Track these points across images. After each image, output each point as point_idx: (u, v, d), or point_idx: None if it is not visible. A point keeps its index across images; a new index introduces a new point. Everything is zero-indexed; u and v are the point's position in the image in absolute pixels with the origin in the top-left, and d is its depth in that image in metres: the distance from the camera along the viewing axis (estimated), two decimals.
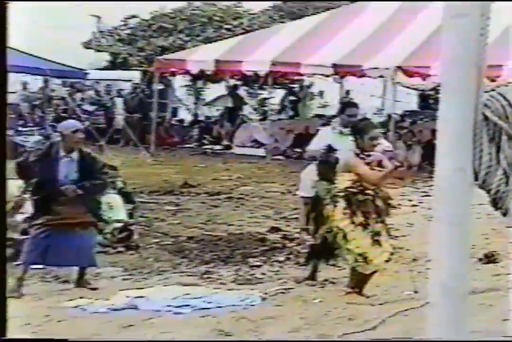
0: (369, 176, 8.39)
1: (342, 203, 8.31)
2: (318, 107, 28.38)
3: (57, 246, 8.98)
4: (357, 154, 8.48)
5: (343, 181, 8.39)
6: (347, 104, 11.69)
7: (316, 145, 9.77)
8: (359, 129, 8.71)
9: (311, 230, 9.32)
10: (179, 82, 29.33)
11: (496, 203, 2.83)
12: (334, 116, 14.39)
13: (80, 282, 9.11)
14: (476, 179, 2.71)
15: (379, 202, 8.42)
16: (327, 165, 9.12)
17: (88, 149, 9.56)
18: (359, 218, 8.29)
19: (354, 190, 8.34)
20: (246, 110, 28.33)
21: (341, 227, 8.31)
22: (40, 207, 9.19)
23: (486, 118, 2.70)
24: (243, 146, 23.99)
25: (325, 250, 8.78)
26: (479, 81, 2.59)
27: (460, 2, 2.52)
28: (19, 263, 9.13)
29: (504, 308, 7.15)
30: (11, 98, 26.26)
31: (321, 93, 28.77)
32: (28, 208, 10.76)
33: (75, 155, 9.09)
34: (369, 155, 8.48)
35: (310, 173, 9.79)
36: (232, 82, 27.95)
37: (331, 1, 32.67)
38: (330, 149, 9.35)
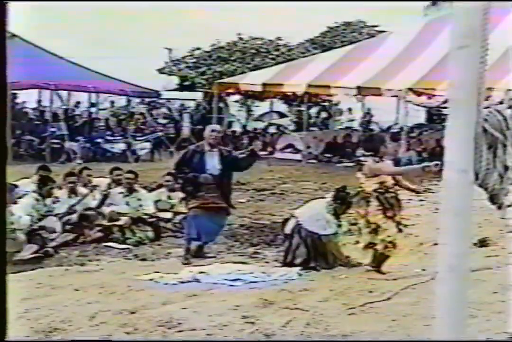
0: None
1: (374, 202, 8.07)
2: (347, 121, 28.27)
3: (205, 225, 9.15)
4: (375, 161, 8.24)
5: (371, 184, 8.08)
6: None
7: None
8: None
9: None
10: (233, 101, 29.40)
11: (492, 198, 2.81)
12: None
13: (200, 253, 9.21)
14: (476, 178, 2.69)
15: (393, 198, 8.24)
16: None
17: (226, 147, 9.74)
18: (390, 212, 8.07)
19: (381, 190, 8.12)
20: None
21: (372, 221, 8.04)
22: (190, 193, 9.24)
23: (485, 130, 2.68)
24: (283, 152, 23.94)
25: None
26: (479, 100, 2.56)
27: (464, 35, 2.50)
28: (185, 238, 9.32)
29: (494, 283, 7.09)
30: (102, 114, 26.54)
31: (349, 110, 28.61)
32: (114, 199, 10.84)
33: (216, 150, 9.34)
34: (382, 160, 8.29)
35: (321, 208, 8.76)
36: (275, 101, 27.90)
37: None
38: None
